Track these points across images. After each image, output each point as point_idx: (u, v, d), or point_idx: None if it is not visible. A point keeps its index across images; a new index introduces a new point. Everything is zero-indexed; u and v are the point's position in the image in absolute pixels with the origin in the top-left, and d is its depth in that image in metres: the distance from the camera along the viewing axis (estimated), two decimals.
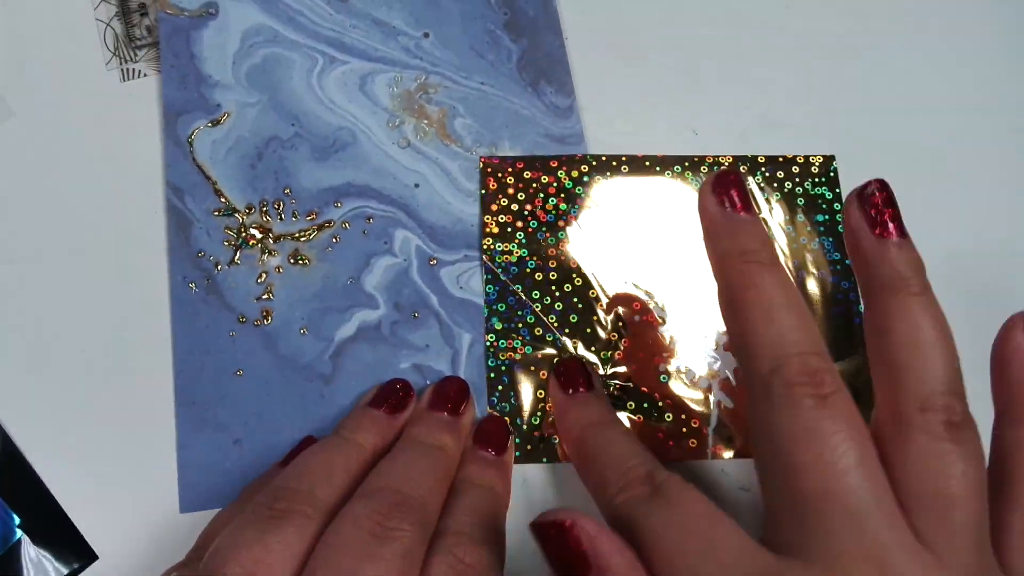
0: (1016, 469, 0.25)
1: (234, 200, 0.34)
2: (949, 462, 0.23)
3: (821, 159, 0.35)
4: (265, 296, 0.33)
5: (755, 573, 0.22)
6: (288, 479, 0.27)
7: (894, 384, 0.24)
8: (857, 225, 0.25)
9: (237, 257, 0.33)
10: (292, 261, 0.33)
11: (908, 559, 0.22)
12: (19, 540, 0.31)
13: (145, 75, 0.35)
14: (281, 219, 0.34)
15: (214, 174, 0.34)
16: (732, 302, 0.25)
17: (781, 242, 0.34)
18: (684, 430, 0.32)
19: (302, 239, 0.34)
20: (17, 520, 0.31)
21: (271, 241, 0.34)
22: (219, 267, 0.33)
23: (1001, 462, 0.25)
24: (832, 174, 0.35)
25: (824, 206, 0.35)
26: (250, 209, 0.34)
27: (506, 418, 0.32)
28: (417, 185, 0.35)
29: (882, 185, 0.26)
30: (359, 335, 0.33)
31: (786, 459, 0.23)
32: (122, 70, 0.35)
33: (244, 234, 0.33)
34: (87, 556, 0.31)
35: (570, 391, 0.31)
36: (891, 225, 0.25)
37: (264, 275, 0.33)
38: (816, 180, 0.35)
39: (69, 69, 0.35)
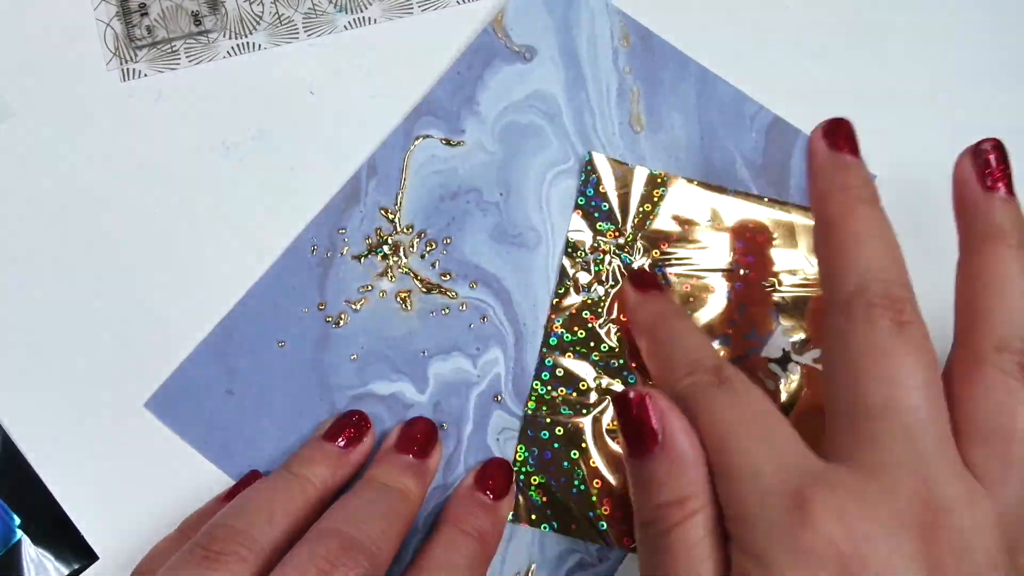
0: None
1: (404, 212, 0.34)
2: (1017, 399, 0.23)
3: None
4: (353, 305, 0.33)
5: (804, 468, 0.23)
6: (226, 517, 0.26)
7: (974, 325, 0.25)
8: (967, 177, 0.26)
9: (364, 257, 0.33)
10: (398, 298, 0.33)
11: (954, 481, 0.22)
12: (19, 540, 0.31)
13: (145, 75, 0.34)
14: (422, 258, 0.33)
15: (409, 181, 0.34)
16: (827, 227, 0.26)
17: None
18: None
19: (422, 288, 0.33)
20: (17, 520, 0.31)
21: (398, 268, 0.33)
22: (344, 252, 0.33)
23: None
24: None
25: None
26: (409, 229, 0.33)
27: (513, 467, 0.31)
28: (547, 328, 0.33)
29: (997, 144, 0.27)
30: (387, 401, 0.32)
31: (855, 371, 0.24)
32: (122, 70, 0.34)
33: (386, 245, 0.33)
34: (87, 556, 0.31)
35: (644, 291, 0.31)
36: (1000, 182, 0.26)
37: (368, 288, 0.33)
38: None
39: (69, 69, 0.35)
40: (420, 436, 0.30)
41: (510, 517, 0.31)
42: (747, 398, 0.25)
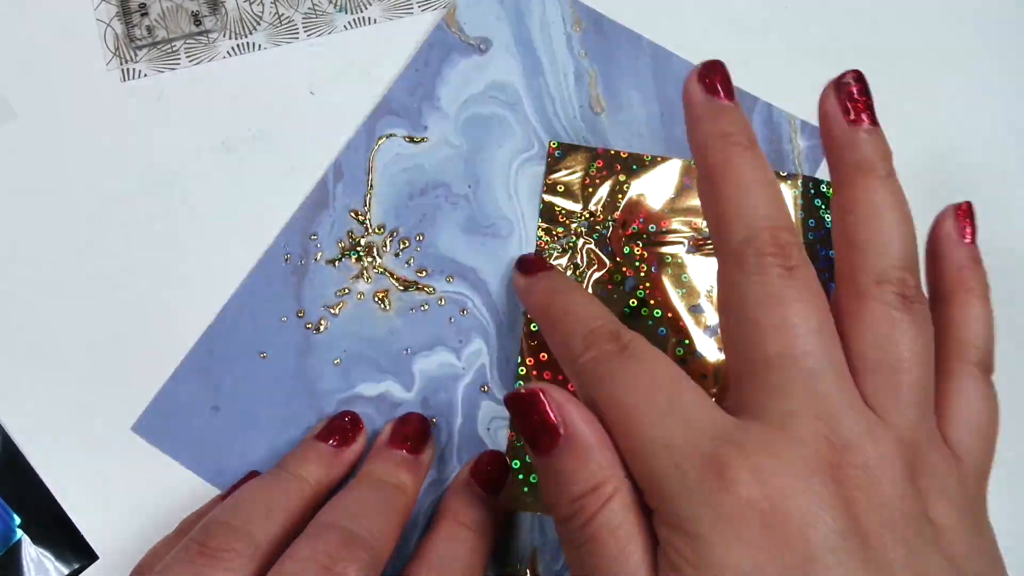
0: (945, 343, 0.26)
1: (374, 213, 0.34)
2: (900, 329, 0.24)
3: None
4: (332, 310, 0.33)
5: (715, 431, 0.23)
6: (223, 514, 0.26)
7: (853, 258, 0.25)
8: (832, 112, 0.26)
9: (338, 261, 0.33)
10: (376, 298, 0.33)
11: (855, 418, 0.23)
12: (19, 540, 0.31)
13: (145, 75, 0.34)
14: (397, 257, 0.33)
15: (376, 181, 0.34)
16: (710, 178, 0.26)
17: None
18: None
19: (399, 287, 0.33)
20: (17, 520, 0.31)
21: (374, 269, 0.33)
22: (318, 258, 0.33)
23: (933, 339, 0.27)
24: None
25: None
26: (380, 230, 0.33)
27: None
28: (526, 313, 0.33)
29: (858, 76, 0.26)
30: (375, 401, 0.32)
31: (751, 323, 0.24)
32: (123, 70, 0.34)
33: (359, 247, 0.33)
34: (87, 556, 0.31)
35: (531, 273, 0.31)
36: (864, 114, 0.26)
37: (346, 291, 0.33)
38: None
39: (70, 69, 0.35)
40: (412, 431, 0.31)
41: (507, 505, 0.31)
42: (649, 365, 0.24)
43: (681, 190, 0.34)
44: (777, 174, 0.34)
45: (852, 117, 0.26)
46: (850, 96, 0.26)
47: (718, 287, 0.26)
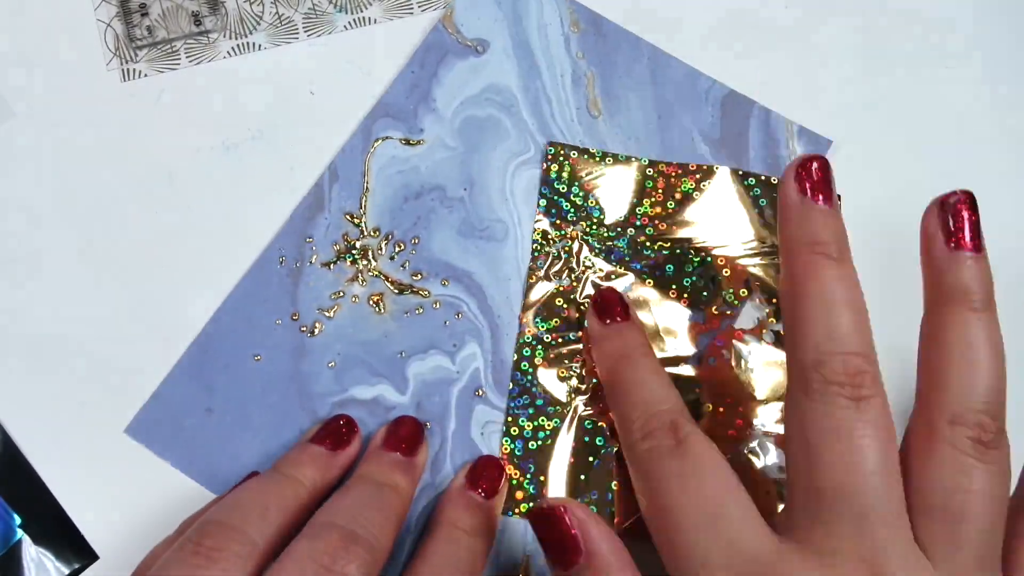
0: None
1: (369, 216, 0.34)
2: (969, 477, 0.23)
3: None
4: (326, 313, 0.33)
5: (752, 551, 0.23)
6: (219, 514, 0.26)
7: (932, 393, 0.24)
8: (932, 232, 0.25)
9: (333, 264, 0.33)
10: (371, 301, 0.33)
11: (902, 562, 0.22)
12: (20, 540, 0.31)
13: (145, 75, 0.34)
14: (392, 260, 0.33)
15: (372, 184, 0.34)
16: (792, 290, 0.25)
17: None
18: None
19: (393, 290, 0.33)
20: (18, 520, 0.31)
21: (369, 272, 0.33)
22: (313, 260, 0.33)
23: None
24: None
25: None
26: (376, 232, 0.33)
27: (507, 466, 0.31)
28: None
29: (968, 197, 0.25)
30: (369, 404, 0.32)
31: (811, 452, 0.23)
32: (123, 70, 0.34)
33: (354, 250, 0.33)
34: (87, 556, 0.31)
35: (606, 320, 0.30)
36: (968, 238, 0.25)
37: (340, 294, 0.33)
38: None
39: (70, 69, 0.35)
40: (406, 433, 0.31)
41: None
42: (701, 467, 0.24)
43: (679, 196, 0.33)
44: (770, 180, 0.33)
45: (955, 241, 0.25)
46: (955, 218, 0.25)
47: (784, 403, 0.25)
